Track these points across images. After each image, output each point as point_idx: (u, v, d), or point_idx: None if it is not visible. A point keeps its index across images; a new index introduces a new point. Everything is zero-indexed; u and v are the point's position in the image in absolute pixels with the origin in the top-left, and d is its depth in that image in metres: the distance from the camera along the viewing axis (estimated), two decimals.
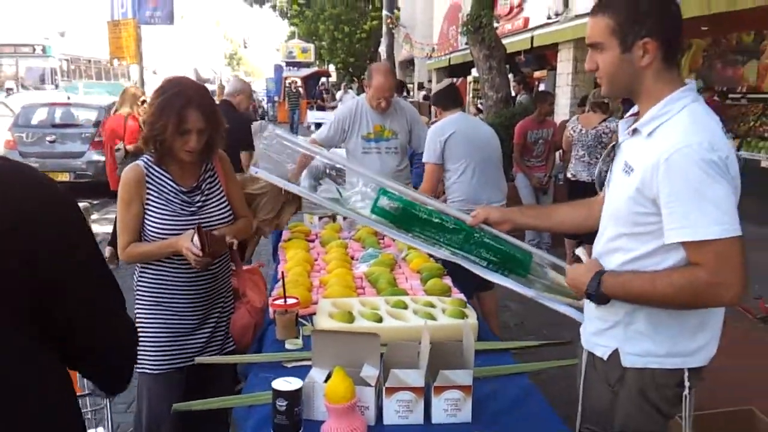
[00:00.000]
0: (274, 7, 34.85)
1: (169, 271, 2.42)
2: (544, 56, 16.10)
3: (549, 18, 13.16)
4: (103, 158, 9.98)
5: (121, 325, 1.33)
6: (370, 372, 1.78)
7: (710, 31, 11.64)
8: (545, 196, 7.02)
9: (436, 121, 4.50)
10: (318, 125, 18.55)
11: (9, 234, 1.13)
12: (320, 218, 4.08)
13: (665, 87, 1.69)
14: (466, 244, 2.15)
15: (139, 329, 1.89)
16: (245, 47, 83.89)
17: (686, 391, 1.73)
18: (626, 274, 1.73)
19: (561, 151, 7.09)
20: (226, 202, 2.53)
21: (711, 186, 1.54)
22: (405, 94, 15.25)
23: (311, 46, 32.04)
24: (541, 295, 2.12)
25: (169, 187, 2.41)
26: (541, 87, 14.76)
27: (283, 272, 2.55)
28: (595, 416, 1.87)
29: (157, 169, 2.41)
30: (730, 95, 11.50)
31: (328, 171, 2.62)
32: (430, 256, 3.18)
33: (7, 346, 1.15)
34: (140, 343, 2.38)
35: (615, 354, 1.79)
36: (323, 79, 32.49)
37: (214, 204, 2.49)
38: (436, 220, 2.17)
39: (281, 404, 1.68)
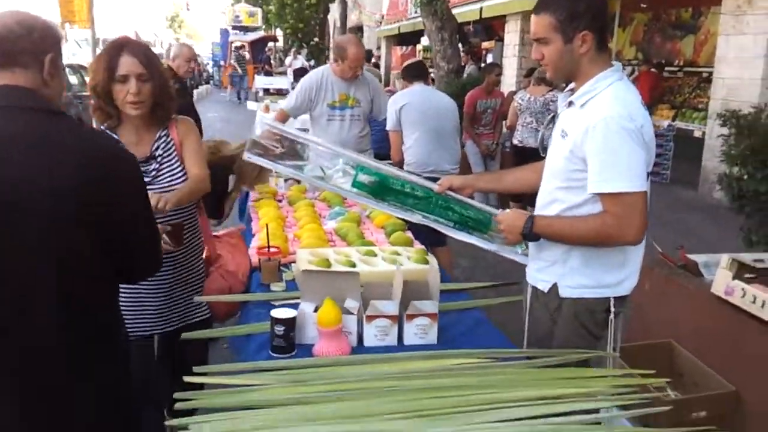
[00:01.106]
0: None
1: None
2: (491, 27, 16.43)
3: None
4: None
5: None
6: (352, 304, 2.10)
7: (649, 7, 12.15)
8: (492, 162, 7.40)
9: (394, 92, 4.87)
10: (266, 91, 18.36)
11: (88, 175, 1.45)
12: (285, 180, 4.32)
13: (597, 68, 2.03)
14: (435, 208, 2.43)
15: None
16: (188, 9, 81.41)
17: (611, 315, 2.11)
18: (552, 218, 2.10)
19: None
20: (180, 168, 2.53)
21: (625, 149, 1.89)
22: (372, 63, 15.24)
23: (258, 11, 31.51)
24: (501, 248, 2.41)
25: None
26: (489, 58, 15.08)
27: (267, 225, 2.82)
28: (539, 339, 2.24)
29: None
30: (668, 68, 12.06)
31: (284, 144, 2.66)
32: None
33: (88, 266, 1.50)
34: None
35: (554, 287, 2.16)
36: (270, 44, 32.05)
37: (167, 172, 2.50)
38: (408, 190, 2.44)
39: (279, 329, 1.98)
